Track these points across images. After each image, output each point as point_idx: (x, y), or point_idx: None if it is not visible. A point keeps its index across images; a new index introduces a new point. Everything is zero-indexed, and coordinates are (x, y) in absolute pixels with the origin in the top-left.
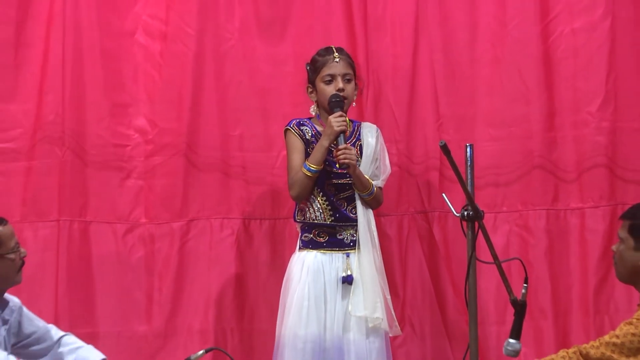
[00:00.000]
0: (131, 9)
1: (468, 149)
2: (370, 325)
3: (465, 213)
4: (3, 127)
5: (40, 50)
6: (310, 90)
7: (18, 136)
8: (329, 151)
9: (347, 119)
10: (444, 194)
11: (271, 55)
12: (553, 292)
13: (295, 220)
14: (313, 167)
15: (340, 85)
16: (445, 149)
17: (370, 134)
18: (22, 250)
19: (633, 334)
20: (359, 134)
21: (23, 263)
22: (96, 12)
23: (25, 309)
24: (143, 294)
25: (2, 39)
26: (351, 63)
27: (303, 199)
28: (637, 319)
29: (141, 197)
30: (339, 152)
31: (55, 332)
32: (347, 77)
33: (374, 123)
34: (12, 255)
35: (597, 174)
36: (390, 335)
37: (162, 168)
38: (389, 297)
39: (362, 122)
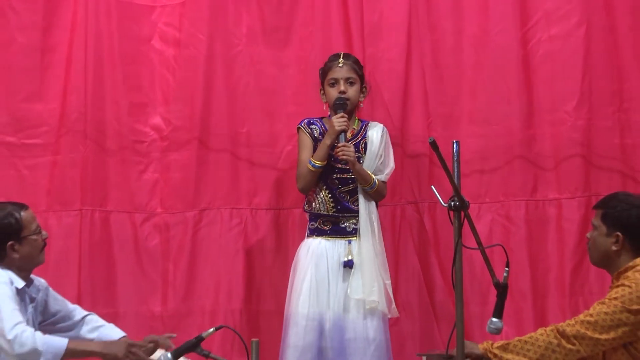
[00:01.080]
0: (148, 18)
1: (455, 145)
2: (367, 307)
3: (452, 203)
4: (30, 125)
5: (64, 55)
6: (322, 92)
7: (44, 133)
8: (332, 148)
9: (357, 118)
10: (432, 187)
11: (276, 59)
12: (532, 276)
13: (304, 211)
14: (317, 162)
15: (342, 88)
16: (434, 145)
17: (375, 133)
18: (44, 232)
19: (605, 313)
20: (365, 133)
21: (45, 244)
22: (116, 20)
23: (51, 290)
24: (159, 277)
25: (30, 45)
26: (356, 68)
27: (308, 191)
28: (609, 300)
29: (157, 188)
30: (338, 150)
31: (80, 311)
32: (350, 81)
33: (375, 120)
34: (34, 237)
35: (572, 168)
36: (389, 316)
37: (176, 162)
38: (388, 282)
39: (370, 122)
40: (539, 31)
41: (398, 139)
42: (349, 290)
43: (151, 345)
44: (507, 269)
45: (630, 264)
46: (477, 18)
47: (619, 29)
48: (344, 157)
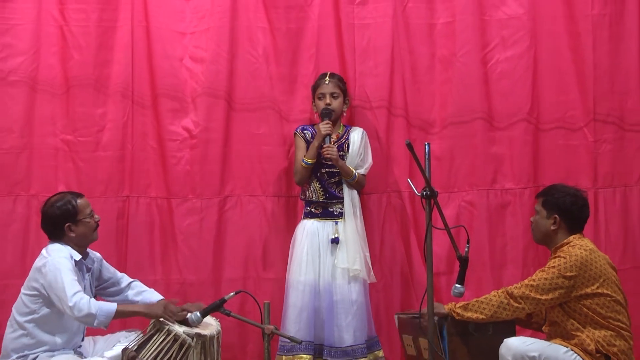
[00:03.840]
0: (180, 41)
1: (426, 146)
2: (351, 274)
3: (424, 193)
4: (86, 125)
5: (113, 69)
6: (313, 104)
7: (96, 132)
8: (320, 149)
9: (342, 124)
10: (409, 179)
11: (285, 75)
12: (491, 250)
13: (300, 198)
14: (308, 160)
15: (328, 101)
16: (409, 146)
17: (356, 135)
18: (96, 216)
19: (545, 278)
20: (348, 135)
21: (97, 225)
22: (156, 43)
23: (104, 261)
24: (191, 251)
25: (84, 61)
26: (340, 84)
27: (303, 183)
28: (548, 268)
29: (188, 179)
30: (323, 150)
31: (126, 278)
32: (335, 95)
33: (362, 126)
34: (87, 219)
35: (525, 163)
36: (369, 282)
37: (204, 157)
38: (367, 254)
39: (352, 127)
40: (497, 53)
41: (383, 140)
42: (336, 261)
43: (184, 312)
44: (468, 245)
45: (565, 240)
46: (446, 43)
47: (561, 51)
48: (328, 155)
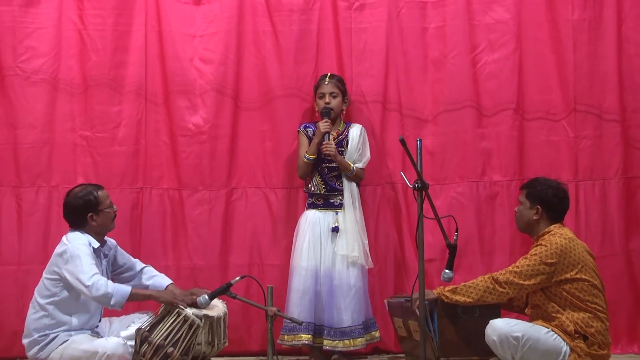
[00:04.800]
0: (191, 43)
1: (418, 142)
2: (350, 260)
3: (416, 185)
4: (103, 122)
5: (128, 70)
6: (315, 102)
7: (113, 129)
8: (320, 145)
9: (342, 121)
10: (402, 172)
11: (287, 74)
12: (480, 238)
13: (303, 191)
14: (310, 156)
15: (327, 100)
16: (402, 142)
17: (355, 132)
18: (114, 207)
19: (527, 265)
20: (347, 132)
21: (115, 215)
22: (168, 45)
23: (119, 248)
24: (201, 239)
25: (101, 62)
26: (339, 85)
27: (306, 177)
28: (531, 255)
29: (198, 172)
30: (322, 147)
31: (139, 264)
32: (334, 94)
33: (359, 123)
34: (107, 210)
35: (511, 158)
36: (367, 267)
37: (212, 152)
38: (366, 242)
39: (352, 123)
40: (485, 55)
41: (378, 136)
42: (336, 248)
43: (193, 297)
44: (456, 233)
45: (546, 229)
46: (438, 45)
47: (544, 53)
48: (327, 152)
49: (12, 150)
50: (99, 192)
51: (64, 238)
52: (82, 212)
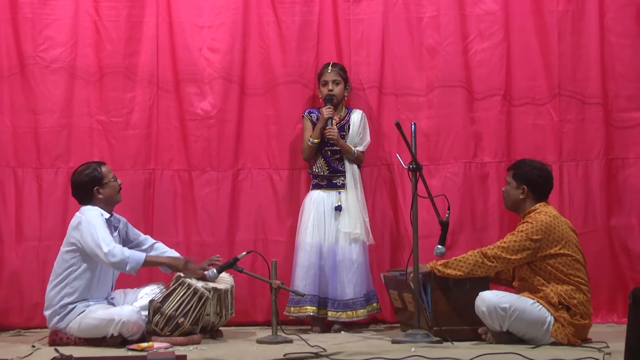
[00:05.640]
0: (199, 34)
1: (412, 126)
2: (352, 237)
3: (410, 166)
4: (117, 108)
5: (140, 58)
6: (319, 89)
7: (126, 114)
8: (324, 130)
9: (345, 107)
10: (397, 155)
11: (290, 62)
12: (472, 215)
13: (308, 172)
14: (314, 140)
15: (330, 87)
16: (398, 126)
17: (356, 117)
18: (119, 180)
19: (514, 241)
20: (349, 117)
21: (120, 188)
22: (178, 36)
23: (129, 225)
24: (209, 216)
25: (115, 51)
26: (341, 73)
27: (310, 160)
28: (517, 232)
29: (206, 154)
30: (326, 132)
31: (150, 240)
32: (337, 82)
33: (358, 108)
34: (112, 182)
35: (500, 140)
36: (368, 243)
37: (220, 135)
38: (367, 219)
39: (353, 109)
40: (475, 44)
41: (375, 120)
42: (339, 226)
43: (201, 270)
44: (448, 211)
45: (532, 207)
46: (432, 34)
47: (531, 42)
48: (330, 136)
49: (33, 134)
50: (102, 168)
51: (77, 213)
52: (88, 187)
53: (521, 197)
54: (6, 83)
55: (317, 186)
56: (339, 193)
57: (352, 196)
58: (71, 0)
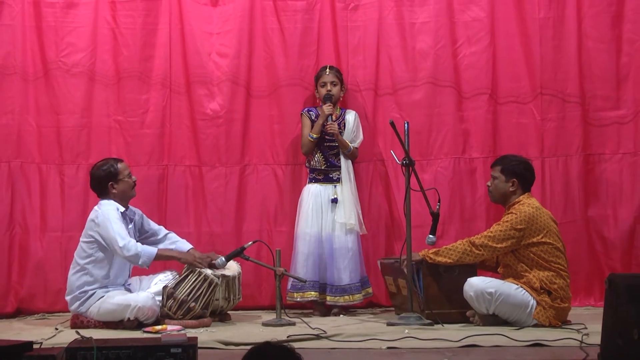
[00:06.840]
0: (209, 40)
1: (406, 124)
2: (348, 227)
3: (404, 162)
4: (133, 108)
5: (154, 62)
6: (316, 90)
7: (142, 114)
8: (323, 126)
9: (339, 107)
10: (392, 151)
11: (292, 66)
12: (461, 207)
13: (305, 166)
14: (314, 135)
15: (329, 88)
16: (392, 124)
17: (350, 117)
18: (134, 177)
19: (500, 230)
20: (344, 116)
21: (134, 185)
22: (189, 42)
23: (144, 216)
24: (218, 208)
25: (131, 56)
26: (338, 75)
27: (309, 154)
28: (503, 222)
29: (215, 151)
30: (327, 127)
31: (163, 230)
32: (334, 83)
33: (353, 106)
34: (127, 179)
35: (487, 137)
36: (361, 233)
37: (228, 134)
38: (360, 211)
39: (347, 109)
40: (464, 49)
41: (371, 119)
42: (335, 217)
43: (209, 259)
44: (439, 203)
45: (517, 199)
46: (424, 39)
47: (515, 47)
48: (331, 131)
49: (55, 133)
50: (118, 165)
51: (95, 206)
52: (103, 181)
53: (511, 189)
54: (32, 86)
55: (314, 180)
56: (335, 186)
57: (346, 189)
58: (91, 9)
